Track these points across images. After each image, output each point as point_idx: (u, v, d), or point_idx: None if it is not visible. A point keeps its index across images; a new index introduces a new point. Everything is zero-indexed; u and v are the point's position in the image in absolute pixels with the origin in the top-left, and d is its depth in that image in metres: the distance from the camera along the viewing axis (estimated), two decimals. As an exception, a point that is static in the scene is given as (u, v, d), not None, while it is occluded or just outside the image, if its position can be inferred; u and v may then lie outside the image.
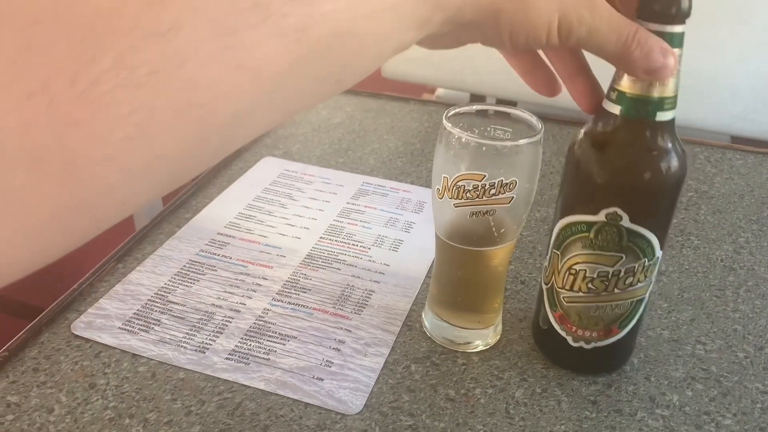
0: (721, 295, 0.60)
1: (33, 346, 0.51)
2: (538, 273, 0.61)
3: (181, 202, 0.70)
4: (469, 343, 0.52)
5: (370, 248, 0.64)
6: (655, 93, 0.41)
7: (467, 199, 0.45)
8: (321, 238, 0.65)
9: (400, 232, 0.67)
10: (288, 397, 0.47)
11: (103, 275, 0.59)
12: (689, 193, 0.76)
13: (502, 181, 0.44)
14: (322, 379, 0.49)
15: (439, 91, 1.75)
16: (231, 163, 0.78)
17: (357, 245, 0.65)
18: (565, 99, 1.25)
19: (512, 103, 1.46)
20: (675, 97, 0.41)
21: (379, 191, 0.74)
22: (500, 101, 1.49)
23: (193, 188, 0.72)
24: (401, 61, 1.46)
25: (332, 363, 0.50)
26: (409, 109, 0.95)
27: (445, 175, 0.46)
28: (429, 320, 0.54)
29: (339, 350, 0.52)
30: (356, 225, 0.68)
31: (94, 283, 0.58)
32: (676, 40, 0.40)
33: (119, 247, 0.62)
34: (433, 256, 0.62)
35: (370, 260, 0.62)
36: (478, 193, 0.45)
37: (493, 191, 0.45)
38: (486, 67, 1.42)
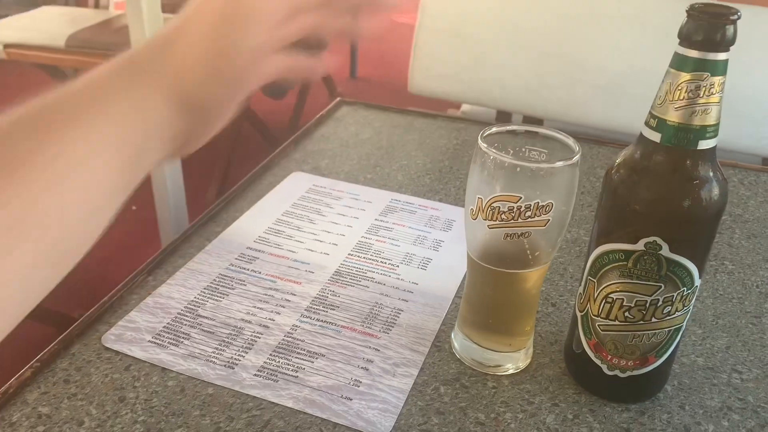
0: (758, 323, 0.58)
1: (64, 357, 0.51)
2: (569, 295, 0.60)
3: (211, 216, 0.70)
4: (499, 366, 0.51)
5: (398, 266, 0.64)
6: (697, 121, 0.40)
7: (502, 220, 0.45)
8: (349, 254, 0.65)
9: (429, 251, 0.67)
10: (316, 416, 0.47)
11: (134, 288, 0.59)
12: (723, 217, 0.74)
13: (538, 203, 0.44)
14: (351, 399, 0.48)
15: (464, 107, 1.75)
16: (261, 177, 0.78)
17: (385, 263, 0.64)
18: (592, 117, 1.25)
19: (539, 121, 1.46)
20: (717, 125, 0.41)
21: (407, 208, 0.74)
22: (527, 118, 1.48)
23: (222, 202, 0.72)
24: (429, 76, 1.47)
25: (361, 382, 0.50)
26: (437, 125, 0.95)
27: (480, 196, 0.45)
28: (459, 341, 0.53)
29: (367, 369, 0.51)
30: (384, 242, 0.68)
31: (125, 295, 0.58)
32: (720, 68, 0.39)
33: (150, 259, 0.62)
34: (462, 275, 0.62)
35: (398, 278, 0.62)
36: (513, 214, 0.44)
37: (528, 213, 0.44)
38: (513, 84, 1.42)
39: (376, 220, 0.72)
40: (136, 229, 2.27)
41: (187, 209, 2.06)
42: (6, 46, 2.35)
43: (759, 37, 1.26)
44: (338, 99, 1.00)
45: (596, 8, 1.34)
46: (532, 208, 0.44)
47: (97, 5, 2.89)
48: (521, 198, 0.44)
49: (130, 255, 2.12)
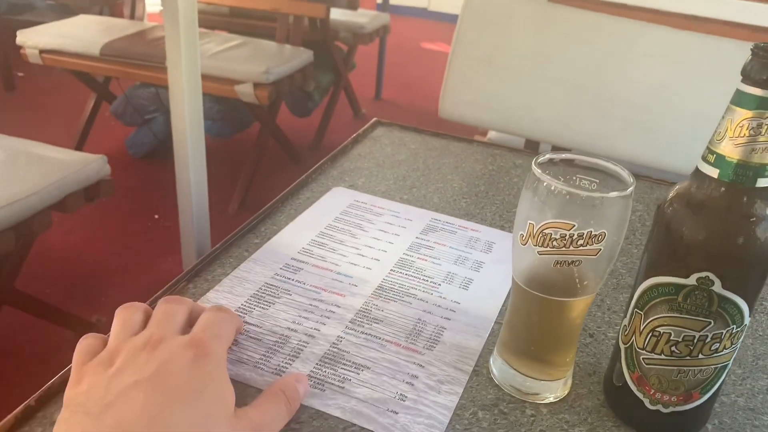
0: (798, 366, 0.58)
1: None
2: (606, 327, 0.60)
3: (251, 227, 0.71)
4: (537, 394, 0.51)
5: (440, 284, 0.64)
6: (757, 159, 0.40)
7: (553, 247, 0.45)
8: (391, 270, 0.66)
9: (470, 271, 0.67)
10: (364, 428, 0.47)
11: (174, 294, 0.59)
12: (760, 257, 0.74)
13: (591, 232, 0.44)
14: (397, 413, 0.49)
15: (491, 134, 1.76)
16: (299, 192, 0.79)
17: (427, 280, 0.65)
18: (620, 151, 1.26)
19: (567, 151, 1.45)
20: (777, 163, 0.41)
21: (447, 228, 0.75)
22: (555, 148, 1.49)
23: (262, 215, 0.73)
24: (459, 102, 1.48)
25: (406, 397, 0.50)
26: (473, 150, 0.95)
27: (531, 222, 0.46)
28: (498, 367, 0.53)
29: (412, 385, 0.51)
30: (426, 260, 0.68)
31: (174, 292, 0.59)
32: (782, 106, 0.39)
33: (190, 267, 0.63)
34: (503, 297, 0.62)
35: (440, 296, 0.63)
36: (565, 242, 0.44)
37: (581, 242, 0.44)
38: (542, 114, 1.43)
39: (417, 238, 0.72)
40: (157, 238, 2.29)
41: (209, 221, 2.07)
42: (42, 51, 2.40)
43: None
44: (374, 120, 1.01)
45: (631, 45, 1.35)
46: (584, 236, 0.44)
47: (132, 16, 2.95)
48: (575, 226, 0.44)
49: (150, 263, 2.13)
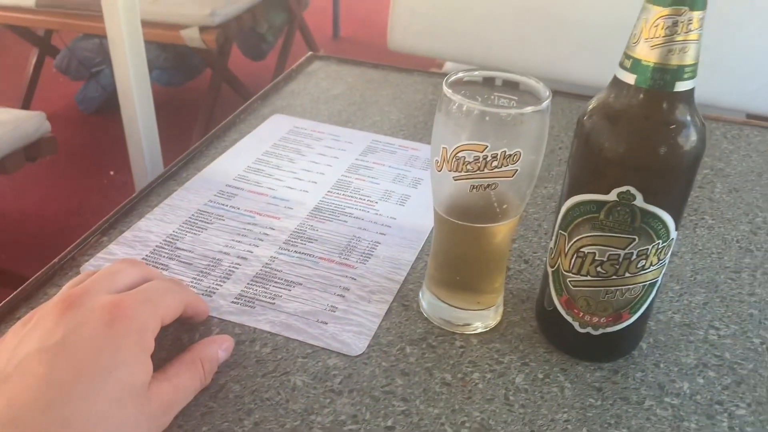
0: (737, 278, 0.57)
1: (10, 322, 0.49)
2: (542, 252, 0.58)
3: (191, 157, 0.69)
4: (468, 324, 0.49)
5: (377, 202, 0.64)
6: (675, 60, 0.37)
7: (467, 171, 0.42)
8: (329, 192, 0.65)
9: (408, 188, 0.66)
10: (293, 339, 0.47)
11: (114, 225, 0.59)
12: (704, 171, 0.72)
13: (505, 152, 0.41)
14: (327, 323, 0.49)
15: (447, 65, 1.71)
16: (225, 134, 0.75)
17: (364, 199, 0.64)
18: (576, 73, 1.22)
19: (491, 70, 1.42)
20: (695, 65, 0.38)
21: (387, 149, 0.74)
22: (509, 75, 1.45)
23: (203, 145, 0.72)
24: (407, 33, 1.42)
25: (337, 308, 0.50)
26: (413, 80, 0.91)
27: (444, 146, 0.43)
28: (426, 300, 0.51)
29: (344, 297, 0.52)
30: (364, 180, 0.67)
31: (106, 230, 0.58)
32: (699, 2, 0.36)
33: (129, 198, 0.61)
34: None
35: (377, 214, 0.62)
36: (479, 165, 0.42)
37: (495, 163, 0.41)
38: (494, 40, 1.38)
39: (356, 159, 0.71)
40: (114, 194, 2.23)
41: (164, 173, 2.01)
42: (-27, 6, 2.27)
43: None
44: (310, 53, 0.96)
45: (580, -41, 1.30)
46: (498, 157, 0.41)
47: (68, -37, 2.79)
48: (487, 147, 0.41)
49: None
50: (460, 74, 0.45)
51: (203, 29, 2.10)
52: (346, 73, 0.92)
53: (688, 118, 0.39)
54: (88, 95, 2.59)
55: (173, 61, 2.51)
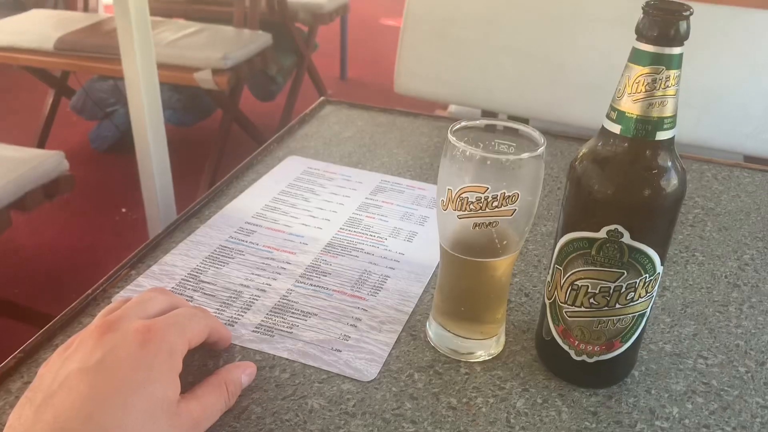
0: (724, 311, 0.60)
1: (47, 348, 0.52)
2: (542, 286, 0.62)
3: (213, 196, 0.75)
4: (472, 353, 0.53)
5: (386, 239, 0.68)
6: (655, 113, 0.42)
7: (470, 210, 0.46)
8: (341, 228, 0.69)
9: (415, 225, 0.71)
10: (309, 365, 0.52)
11: (141, 259, 0.64)
12: (695, 210, 0.77)
13: (504, 193, 0.45)
14: (340, 351, 0.53)
15: (451, 108, 1.76)
16: (243, 175, 0.80)
17: (374, 236, 0.68)
18: (574, 116, 1.28)
19: (524, 120, 1.47)
20: (674, 117, 0.42)
21: (396, 188, 0.78)
22: (512, 118, 1.50)
23: (223, 184, 0.77)
24: (414, 77, 1.48)
25: (349, 337, 0.54)
26: (419, 123, 0.96)
27: (449, 187, 0.47)
28: (433, 330, 0.55)
29: (356, 326, 0.56)
30: (374, 218, 0.72)
31: (135, 264, 0.63)
32: (675, 62, 0.41)
33: (156, 235, 0.66)
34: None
35: (386, 249, 0.66)
36: (481, 204, 0.46)
37: (495, 203, 0.46)
38: (497, 84, 1.44)
39: (366, 198, 0.76)
40: (125, 232, 2.28)
41: (176, 211, 2.06)
42: (-5, 49, 2.35)
43: (735, 36, 1.29)
44: (322, 98, 1.02)
45: (576, 11, 1.36)
46: (498, 198, 0.45)
47: (86, 8, 2.90)
48: (488, 188, 0.45)
49: (119, 257, 2.12)
50: (464, 123, 0.49)
51: (216, 72, 2.18)
52: (356, 116, 0.98)
53: (669, 163, 0.44)
54: (102, 134, 2.66)
55: (185, 101, 2.59)
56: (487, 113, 1.52)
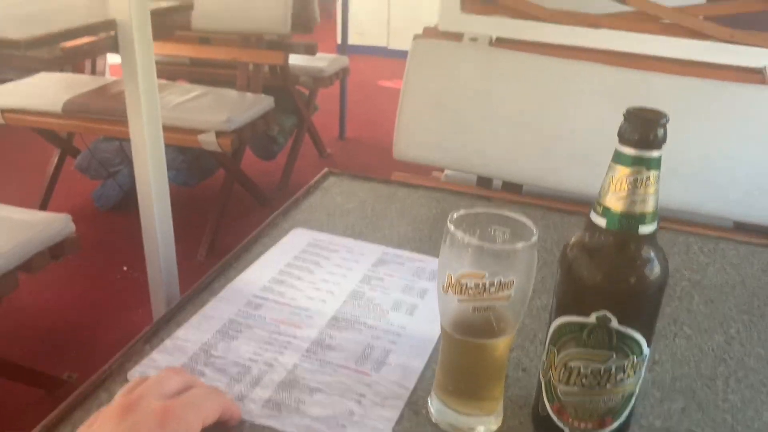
0: (712, 385, 0.63)
1: (67, 423, 0.55)
2: (538, 360, 0.65)
3: (223, 269, 0.78)
4: (472, 428, 0.55)
5: (388, 312, 0.71)
6: (637, 209, 0.46)
7: (469, 295, 0.50)
8: (345, 301, 0.73)
9: (416, 298, 0.74)
10: None
11: (155, 333, 0.66)
12: (683, 283, 0.80)
13: (501, 280, 0.49)
14: (346, 427, 0.56)
15: (447, 171, 1.82)
16: (250, 248, 0.83)
17: (377, 309, 0.72)
18: (567, 183, 1.35)
19: (518, 186, 1.52)
20: (655, 212, 0.46)
21: (397, 261, 0.82)
22: (506, 183, 1.55)
23: (232, 258, 0.80)
24: (412, 144, 1.54)
25: (354, 413, 0.57)
26: (419, 195, 1.01)
27: (450, 273, 0.51)
28: (435, 406, 0.57)
29: (360, 402, 0.58)
30: (376, 291, 0.75)
31: (149, 338, 0.65)
32: (654, 164, 0.45)
33: (170, 309, 0.69)
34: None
35: (388, 323, 0.69)
36: (479, 290, 0.49)
37: (492, 289, 0.49)
38: (492, 152, 1.49)
39: (368, 270, 0.79)
40: (126, 290, 2.30)
41: (177, 271, 2.09)
42: (4, 111, 2.42)
43: (721, 108, 1.35)
44: (325, 170, 1.06)
45: (568, 84, 1.43)
46: (495, 285, 0.49)
47: (93, 71, 2.99)
48: (486, 275, 0.49)
49: (119, 316, 2.14)
50: (462, 211, 0.53)
51: (219, 134, 2.24)
52: (358, 188, 1.02)
53: (652, 254, 0.47)
54: (105, 193, 2.71)
55: (189, 162, 2.65)
56: (482, 179, 1.57)
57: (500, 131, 1.48)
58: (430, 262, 0.81)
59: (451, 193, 1.02)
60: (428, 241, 0.87)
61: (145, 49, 1.80)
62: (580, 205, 1.34)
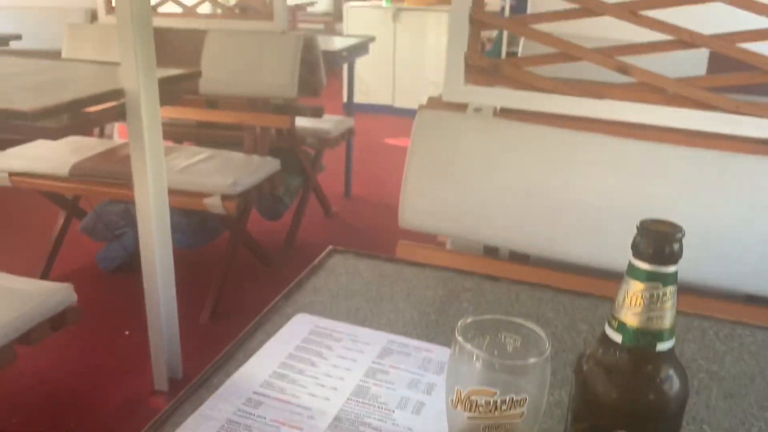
0: (736, 495, 0.60)
1: None
2: (551, 466, 0.62)
3: (221, 363, 0.75)
4: None
5: (394, 411, 0.68)
6: (654, 326, 0.44)
7: (480, 413, 0.47)
8: (348, 399, 0.69)
9: (423, 395, 0.71)
10: None
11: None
12: (700, 375, 0.77)
13: (513, 398, 0.47)
14: None
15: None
16: (253, 335, 0.81)
17: (382, 407, 0.68)
18: (575, 252, 1.32)
19: (525, 256, 1.50)
20: (672, 329, 0.44)
21: (402, 350, 0.79)
22: (513, 253, 1.53)
23: (232, 348, 0.78)
24: (417, 213, 1.53)
25: None
26: (425, 275, 0.99)
27: (459, 388, 0.48)
28: None
29: None
30: (381, 386, 0.72)
31: None
32: (670, 279, 0.43)
33: (164, 410, 0.66)
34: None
35: (394, 424, 0.66)
36: (489, 408, 0.47)
37: (504, 407, 0.47)
38: (498, 221, 1.48)
39: (373, 362, 0.76)
40: (127, 356, 2.26)
41: (179, 336, 2.06)
42: (11, 174, 2.44)
43: (729, 179, 1.34)
44: (330, 248, 1.05)
45: (573, 153, 1.43)
46: (507, 402, 0.47)
47: (101, 134, 3.02)
48: (497, 393, 0.47)
49: (120, 383, 2.10)
50: (471, 319, 0.51)
51: (225, 197, 2.24)
52: (363, 267, 1.00)
53: (671, 371, 0.45)
54: (110, 255, 2.70)
55: (194, 225, 2.65)
56: (488, 247, 1.56)
57: (506, 201, 1.47)
58: (438, 352, 0.78)
59: (457, 273, 1.00)
60: (435, 327, 0.85)
61: (153, 117, 1.83)
62: (588, 277, 1.32)
